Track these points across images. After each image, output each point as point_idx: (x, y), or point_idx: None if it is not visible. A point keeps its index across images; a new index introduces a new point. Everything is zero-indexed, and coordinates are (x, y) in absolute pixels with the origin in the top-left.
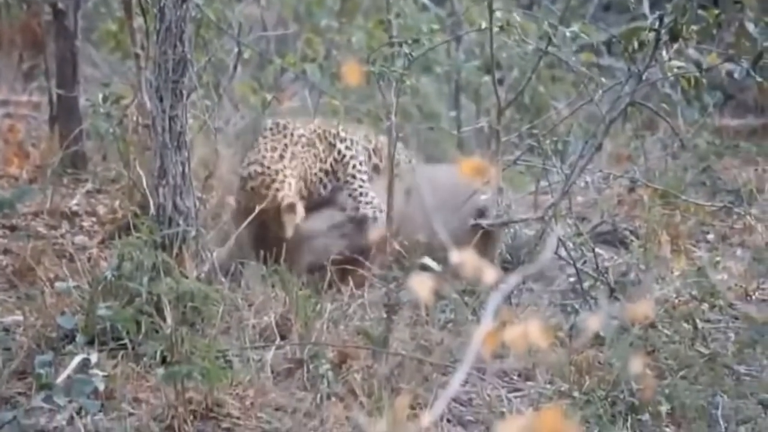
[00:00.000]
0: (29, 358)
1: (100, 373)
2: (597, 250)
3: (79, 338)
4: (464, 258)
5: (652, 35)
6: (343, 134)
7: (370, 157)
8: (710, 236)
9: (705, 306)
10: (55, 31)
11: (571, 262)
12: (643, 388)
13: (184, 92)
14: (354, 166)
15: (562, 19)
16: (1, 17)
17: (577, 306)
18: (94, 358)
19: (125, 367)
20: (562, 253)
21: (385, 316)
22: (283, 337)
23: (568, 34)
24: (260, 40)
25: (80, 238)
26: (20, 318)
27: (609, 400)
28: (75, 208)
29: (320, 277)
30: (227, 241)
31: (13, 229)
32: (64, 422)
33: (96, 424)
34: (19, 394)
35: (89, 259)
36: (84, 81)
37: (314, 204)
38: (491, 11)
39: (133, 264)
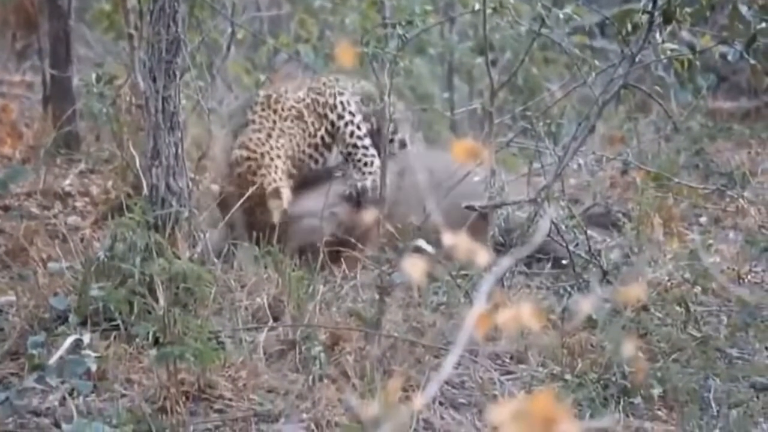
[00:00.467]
0: (22, 339)
1: (93, 354)
2: (589, 232)
3: (72, 319)
4: (457, 240)
5: (645, 17)
6: (332, 101)
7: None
8: (703, 219)
9: (697, 289)
10: (49, 10)
11: (564, 244)
12: (636, 371)
13: (178, 72)
14: (352, 134)
15: (555, 1)
16: None
17: (569, 288)
18: (86, 338)
19: (118, 347)
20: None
21: (377, 297)
22: (275, 319)
23: (561, 15)
24: (254, 21)
25: (73, 219)
26: (13, 298)
27: (601, 383)
28: (68, 188)
29: (313, 258)
30: (219, 222)
31: (6, 209)
32: (56, 403)
33: (88, 405)
34: (12, 374)
35: (82, 240)
36: (77, 61)
37: (312, 178)
38: None
39: (126, 245)
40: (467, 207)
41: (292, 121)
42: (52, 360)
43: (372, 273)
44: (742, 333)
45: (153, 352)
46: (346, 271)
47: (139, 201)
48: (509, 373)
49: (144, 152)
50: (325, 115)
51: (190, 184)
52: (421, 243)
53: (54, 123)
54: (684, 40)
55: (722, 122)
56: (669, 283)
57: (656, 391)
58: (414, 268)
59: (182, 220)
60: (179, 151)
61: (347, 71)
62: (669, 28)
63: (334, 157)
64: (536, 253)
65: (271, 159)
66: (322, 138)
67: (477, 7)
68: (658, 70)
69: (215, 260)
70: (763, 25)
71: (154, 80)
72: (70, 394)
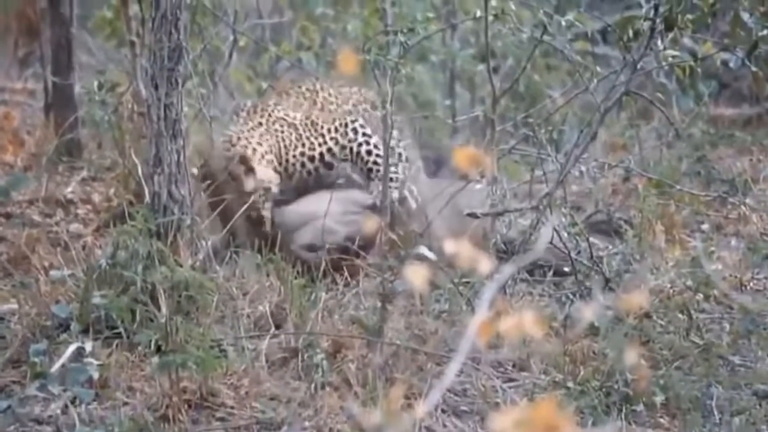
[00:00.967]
0: (24, 347)
1: (95, 362)
2: (591, 239)
3: (74, 327)
4: (459, 248)
5: (647, 24)
6: (342, 128)
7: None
8: (705, 226)
9: (699, 296)
10: (51, 18)
11: (566, 251)
12: (638, 379)
13: (180, 80)
14: (369, 153)
15: (557, 8)
16: None
17: (571, 296)
18: (88, 346)
19: (120, 356)
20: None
21: (379, 305)
22: (277, 327)
23: (563, 22)
24: (256, 28)
25: (75, 226)
26: (15, 306)
27: (603, 390)
28: (70, 196)
29: (316, 260)
30: (222, 230)
31: (7, 216)
32: (58, 411)
33: (90, 413)
34: (14, 382)
35: (84, 248)
36: (79, 68)
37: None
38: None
39: (128, 252)
40: (469, 215)
41: (281, 125)
42: (54, 368)
43: (374, 281)
44: (744, 340)
45: (155, 360)
46: (348, 279)
47: (141, 209)
48: (511, 380)
49: (146, 160)
50: (336, 140)
51: (192, 191)
52: (424, 250)
53: (56, 130)
54: (686, 47)
55: (724, 129)
56: (671, 291)
57: (659, 399)
58: (416, 275)
59: (184, 228)
60: (181, 158)
61: (346, 78)
62: (671, 35)
63: (335, 174)
64: (538, 260)
65: (249, 140)
66: (321, 155)
67: (479, 14)
68: (660, 77)
69: (217, 268)
70: (765, 32)
71: (156, 88)
72: (72, 403)
